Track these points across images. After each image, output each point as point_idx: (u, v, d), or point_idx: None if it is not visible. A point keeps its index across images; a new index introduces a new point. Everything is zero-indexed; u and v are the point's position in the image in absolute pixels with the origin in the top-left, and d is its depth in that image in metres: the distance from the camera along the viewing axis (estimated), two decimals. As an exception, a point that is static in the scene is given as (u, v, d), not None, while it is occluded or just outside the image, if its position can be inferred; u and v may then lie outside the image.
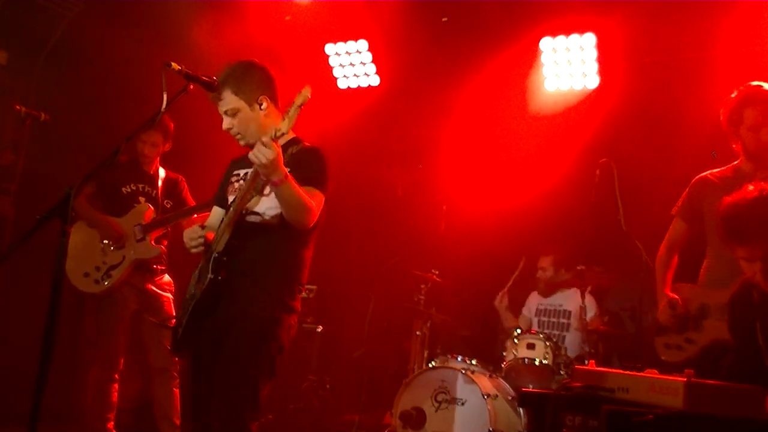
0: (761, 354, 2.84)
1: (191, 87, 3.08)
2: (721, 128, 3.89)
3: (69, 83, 6.08)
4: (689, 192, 4.03)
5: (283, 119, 2.83)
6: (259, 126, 3.24)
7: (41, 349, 2.49)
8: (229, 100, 3.22)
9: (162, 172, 5.10)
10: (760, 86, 3.78)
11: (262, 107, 3.27)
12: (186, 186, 5.19)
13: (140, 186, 4.94)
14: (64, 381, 5.56)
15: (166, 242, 5.03)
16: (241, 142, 3.28)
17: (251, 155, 2.81)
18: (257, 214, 3.16)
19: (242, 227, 3.12)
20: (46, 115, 4.82)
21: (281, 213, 3.09)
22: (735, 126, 3.80)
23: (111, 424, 4.82)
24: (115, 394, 4.81)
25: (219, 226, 3.18)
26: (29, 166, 5.69)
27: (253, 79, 3.29)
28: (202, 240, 3.14)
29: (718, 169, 3.96)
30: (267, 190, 3.06)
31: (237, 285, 3.10)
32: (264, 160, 2.76)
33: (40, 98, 5.95)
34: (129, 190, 4.91)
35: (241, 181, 3.26)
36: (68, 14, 6.14)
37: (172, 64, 2.98)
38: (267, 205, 3.14)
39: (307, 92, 2.83)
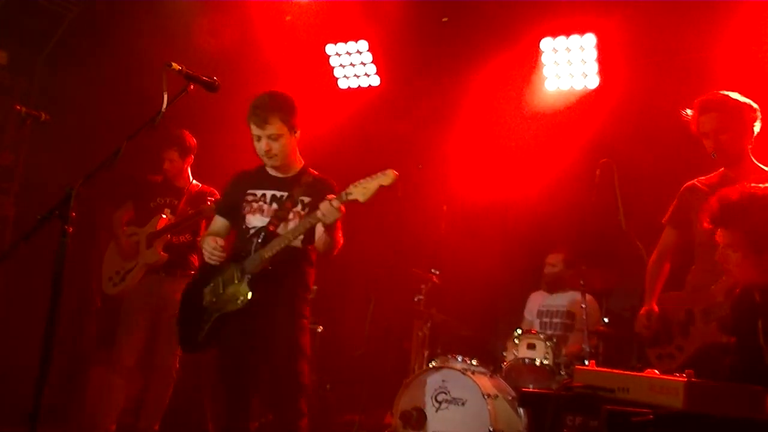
0: (762, 354, 2.85)
1: (191, 87, 3.09)
2: (695, 139, 3.94)
3: (69, 83, 6.08)
4: (678, 200, 4.06)
5: (356, 186, 3.27)
6: (292, 150, 3.74)
7: (41, 349, 2.49)
8: (278, 126, 3.62)
9: (195, 186, 5.29)
10: (715, 94, 3.83)
11: (296, 134, 3.73)
12: (216, 197, 5.31)
13: (167, 199, 5.17)
14: (64, 381, 5.57)
15: (195, 254, 5.17)
16: (273, 163, 3.70)
17: (320, 214, 3.29)
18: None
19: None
20: (46, 115, 4.84)
21: (302, 239, 3.60)
22: (700, 135, 3.85)
23: (113, 425, 4.84)
24: (122, 394, 4.86)
25: (247, 247, 3.57)
26: (29, 166, 5.69)
27: (294, 109, 3.70)
28: (223, 255, 3.58)
29: (706, 177, 3.99)
30: (291, 215, 3.60)
31: (267, 299, 3.52)
32: (332, 220, 3.29)
33: (40, 98, 5.96)
34: (156, 203, 5.16)
35: (262, 204, 3.67)
36: (68, 14, 6.14)
37: (173, 64, 2.99)
38: (291, 226, 3.59)
39: (392, 176, 3.23)
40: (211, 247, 3.58)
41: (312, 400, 6.00)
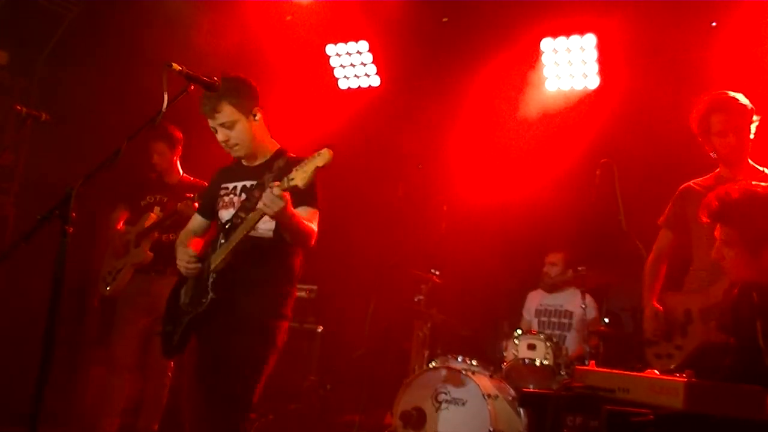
0: (762, 354, 2.85)
1: (192, 87, 3.08)
2: (696, 139, 3.94)
3: (69, 83, 6.08)
4: (674, 202, 4.07)
5: (297, 169, 2.90)
6: (254, 136, 3.42)
7: (41, 349, 2.49)
8: (228, 112, 3.32)
9: (186, 179, 5.24)
10: (724, 93, 3.84)
11: (256, 118, 3.41)
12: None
13: (157, 197, 5.14)
14: (64, 381, 5.57)
15: None
16: (237, 153, 3.43)
17: (261, 204, 2.95)
18: (253, 229, 3.24)
19: (240, 244, 3.20)
20: (46, 115, 4.83)
21: (275, 229, 3.27)
22: (705, 134, 3.86)
23: (114, 426, 4.84)
24: (121, 394, 4.86)
25: (214, 244, 3.31)
26: (29, 166, 5.69)
27: (248, 91, 3.40)
28: (197, 266, 3.32)
29: (702, 178, 4.00)
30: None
31: (235, 297, 3.25)
32: (276, 210, 2.93)
33: (40, 98, 5.96)
34: (146, 202, 5.13)
35: (233, 197, 3.43)
36: (68, 14, 6.14)
37: (173, 64, 2.97)
38: (263, 223, 3.22)
39: (328, 155, 2.87)
40: (185, 261, 3.35)
41: (312, 400, 6.04)
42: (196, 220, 3.69)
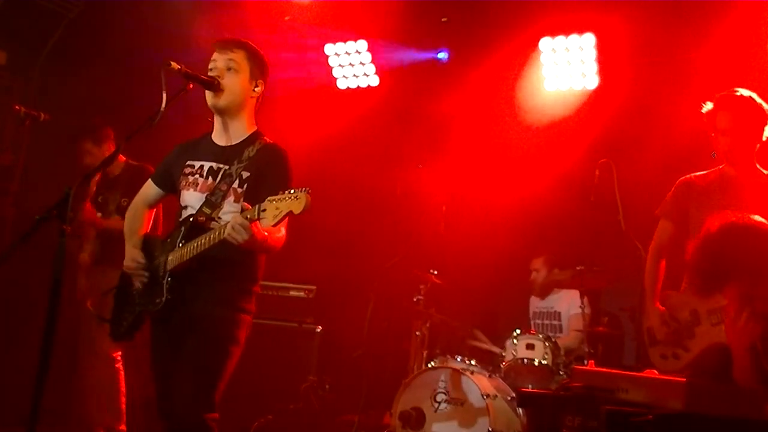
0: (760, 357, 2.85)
1: (190, 86, 3.08)
2: (696, 138, 3.94)
3: (69, 83, 6.08)
4: (675, 193, 4.01)
5: (272, 201, 2.70)
6: (243, 100, 3.25)
7: (41, 349, 2.49)
8: (242, 57, 3.23)
9: (129, 166, 4.98)
10: (733, 92, 3.83)
11: (256, 89, 3.29)
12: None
13: (100, 196, 4.95)
14: (64, 381, 5.56)
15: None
16: (218, 102, 3.20)
17: (226, 232, 2.79)
18: (214, 220, 3.09)
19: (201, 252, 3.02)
20: (45, 114, 4.83)
21: None
22: (712, 131, 3.85)
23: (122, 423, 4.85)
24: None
25: (174, 237, 3.12)
26: (29, 166, 5.69)
27: (263, 62, 3.32)
28: (142, 275, 3.19)
29: (702, 173, 3.97)
30: (230, 195, 3.11)
31: (192, 293, 3.09)
32: (241, 242, 2.79)
33: (40, 98, 5.96)
34: (97, 203, 4.93)
35: (198, 177, 3.20)
36: (68, 14, 6.14)
37: (172, 63, 2.98)
38: (225, 210, 3.09)
39: (305, 202, 2.64)
40: (132, 267, 3.21)
41: (311, 400, 6.04)
42: (151, 190, 3.44)
